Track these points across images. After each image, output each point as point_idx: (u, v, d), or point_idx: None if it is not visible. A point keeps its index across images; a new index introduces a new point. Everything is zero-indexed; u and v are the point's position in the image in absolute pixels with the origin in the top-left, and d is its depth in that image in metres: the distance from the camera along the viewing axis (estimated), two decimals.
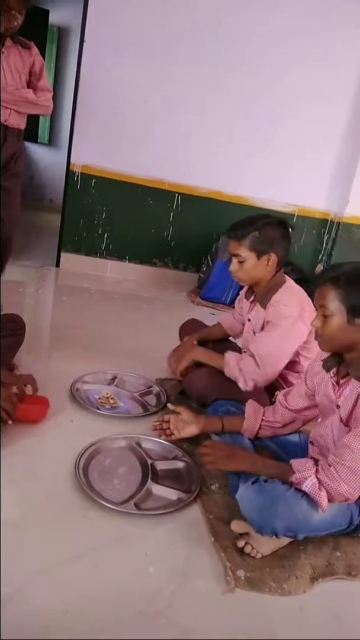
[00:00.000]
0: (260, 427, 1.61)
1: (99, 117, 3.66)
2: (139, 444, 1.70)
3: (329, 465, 1.22)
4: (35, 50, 2.41)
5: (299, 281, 1.97)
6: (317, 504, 1.21)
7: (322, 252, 4.18)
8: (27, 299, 3.22)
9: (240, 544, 1.31)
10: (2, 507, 1.33)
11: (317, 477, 1.21)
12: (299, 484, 1.22)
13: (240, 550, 1.31)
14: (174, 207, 3.94)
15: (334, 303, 1.25)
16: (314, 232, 4.14)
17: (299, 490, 1.23)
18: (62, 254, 3.94)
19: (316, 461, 1.28)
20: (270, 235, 1.77)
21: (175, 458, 1.67)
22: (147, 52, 3.56)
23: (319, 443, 1.46)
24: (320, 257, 4.20)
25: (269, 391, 1.88)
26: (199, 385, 1.90)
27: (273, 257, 1.79)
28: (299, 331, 1.78)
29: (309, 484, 1.21)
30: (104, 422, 1.84)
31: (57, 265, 3.95)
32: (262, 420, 1.61)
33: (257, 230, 1.76)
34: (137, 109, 3.67)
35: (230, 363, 1.83)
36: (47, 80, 2.47)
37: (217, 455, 1.40)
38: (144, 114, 3.68)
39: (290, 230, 1.83)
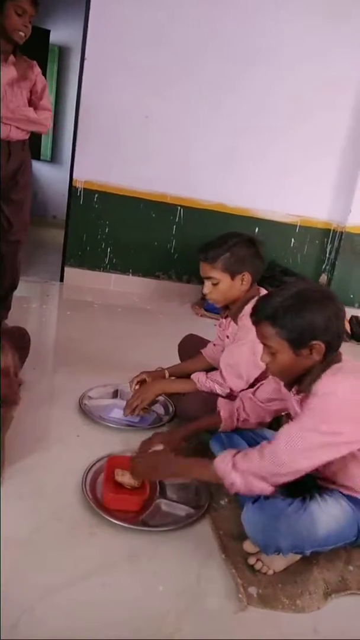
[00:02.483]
0: (236, 427, 1.64)
1: (100, 133, 3.70)
2: None
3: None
4: (37, 69, 2.44)
5: None
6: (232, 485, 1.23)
7: (326, 261, 4.18)
8: (31, 314, 3.23)
9: (252, 561, 1.29)
10: (8, 526, 1.31)
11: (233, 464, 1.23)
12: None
13: (252, 567, 1.29)
14: (177, 220, 3.96)
15: (275, 340, 1.24)
16: (317, 242, 4.14)
17: (301, 502, 1.21)
18: (66, 269, 3.96)
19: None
20: (242, 255, 1.76)
21: None
22: (147, 69, 3.60)
23: None
24: (324, 266, 4.19)
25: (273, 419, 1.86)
26: (192, 410, 1.85)
27: (247, 276, 1.78)
28: None
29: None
30: (111, 436, 1.83)
31: (61, 280, 3.96)
32: (239, 420, 1.62)
33: (229, 251, 1.75)
34: (138, 124, 3.70)
35: (201, 378, 1.89)
36: (47, 100, 2.50)
37: (143, 465, 1.45)
38: (145, 129, 3.72)
39: (259, 247, 1.83)
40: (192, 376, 1.95)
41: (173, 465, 1.42)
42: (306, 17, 3.63)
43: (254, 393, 1.60)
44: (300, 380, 1.31)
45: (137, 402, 1.93)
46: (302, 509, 1.20)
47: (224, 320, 1.99)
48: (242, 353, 1.77)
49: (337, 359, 1.28)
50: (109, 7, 3.45)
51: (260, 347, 1.70)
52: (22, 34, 2.26)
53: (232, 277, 1.77)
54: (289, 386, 1.37)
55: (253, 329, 1.72)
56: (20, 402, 1.79)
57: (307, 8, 3.61)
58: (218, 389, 1.85)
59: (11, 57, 2.33)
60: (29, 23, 2.27)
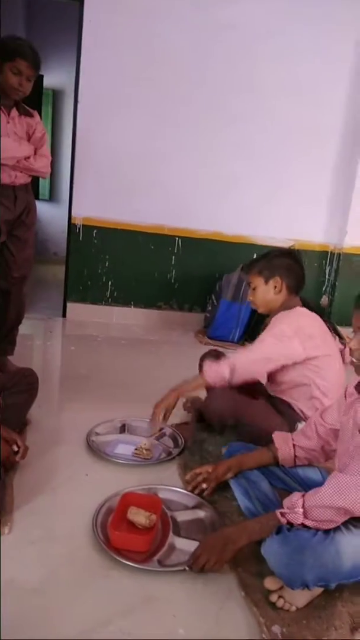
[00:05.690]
0: (295, 456, 1.58)
1: (96, 171, 3.78)
2: (156, 495, 1.64)
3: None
4: (37, 118, 2.52)
5: None
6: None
7: (326, 283, 4.19)
8: (35, 352, 3.22)
9: (273, 598, 1.24)
10: (20, 572, 1.27)
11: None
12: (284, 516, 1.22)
13: (274, 604, 1.24)
14: (175, 250, 4.00)
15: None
16: (316, 264, 4.16)
17: (325, 534, 1.17)
18: (68, 304, 3.98)
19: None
20: (275, 263, 1.95)
21: (195, 507, 1.61)
22: (140, 105, 3.71)
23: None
24: (324, 288, 4.21)
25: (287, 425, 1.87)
26: (217, 407, 1.92)
27: (279, 281, 1.93)
28: (289, 346, 1.83)
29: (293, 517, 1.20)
30: (121, 472, 1.79)
31: (64, 315, 3.98)
32: (295, 446, 1.57)
33: (264, 258, 1.98)
34: (132, 161, 3.78)
35: (211, 367, 1.91)
36: (47, 148, 2.58)
37: (213, 553, 1.26)
38: (139, 164, 3.80)
39: (296, 258, 2.00)
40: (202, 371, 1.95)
41: (243, 532, 1.29)
42: (293, 47, 3.75)
43: (321, 416, 1.55)
44: None
45: (161, 413, 1.88)
46: (327, 539, 1.16)
47: None
48: (257, 347, 1.90)
49: None
50: (100, 49, 3.58)
51: (279, 345, 1.85)
52: (19, 92, 2.31)
53: (266, 281, 1.94)
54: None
55: (277, 332, 1.86)
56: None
57: (292, 38, 3.74)
58: (226, 371, 1.85)
59: (13, 111, 2.38)
60: (26, 82, 2.30)
